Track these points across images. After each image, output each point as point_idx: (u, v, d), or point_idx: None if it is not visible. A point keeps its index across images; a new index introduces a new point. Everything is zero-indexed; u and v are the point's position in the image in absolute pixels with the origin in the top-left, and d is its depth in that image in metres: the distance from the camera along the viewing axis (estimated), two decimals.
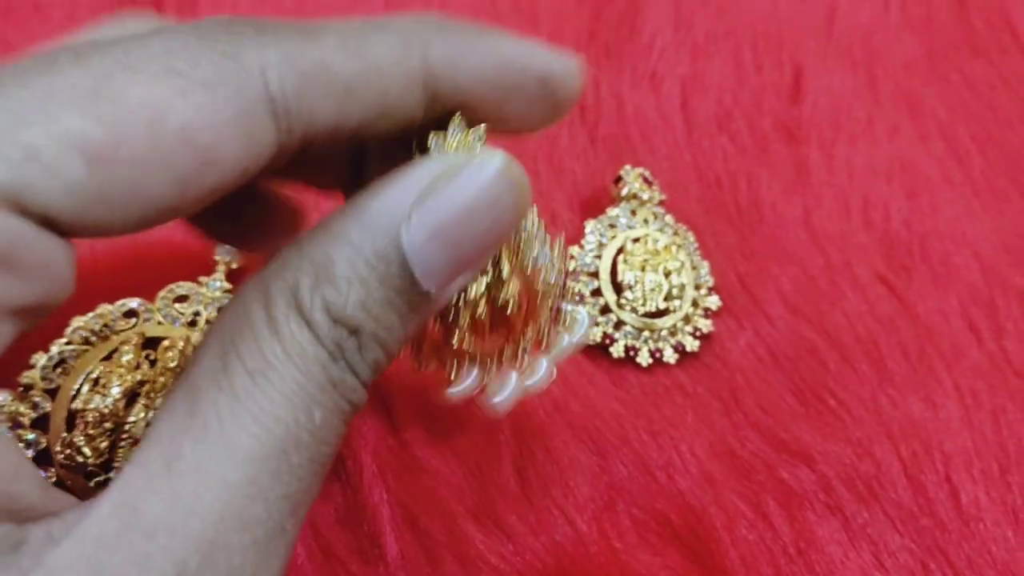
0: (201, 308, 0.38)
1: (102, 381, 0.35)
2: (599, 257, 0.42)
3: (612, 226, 0.43)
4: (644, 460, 0.38)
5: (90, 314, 0.36)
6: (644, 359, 0.41)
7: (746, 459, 0.39)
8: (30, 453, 0.34)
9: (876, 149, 0.47)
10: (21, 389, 0.35)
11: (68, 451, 0.34)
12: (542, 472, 0.38)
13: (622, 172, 0.43)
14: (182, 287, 0.38)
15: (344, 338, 0.23)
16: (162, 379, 0.35)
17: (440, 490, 0.37)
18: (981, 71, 0.50)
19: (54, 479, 0.34)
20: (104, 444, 0.34)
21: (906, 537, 0.38)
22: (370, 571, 0.35)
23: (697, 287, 0.42)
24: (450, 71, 0.26)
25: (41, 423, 0.34)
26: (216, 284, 0.39)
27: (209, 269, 0.39)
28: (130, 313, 0.37)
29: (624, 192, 0.43)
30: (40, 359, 0.35)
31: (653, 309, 0.41)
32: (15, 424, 0.34)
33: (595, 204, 0.44)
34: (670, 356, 0.41)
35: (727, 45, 0.49)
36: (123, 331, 0.37)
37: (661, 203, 0.44)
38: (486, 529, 0.36)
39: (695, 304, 0.42)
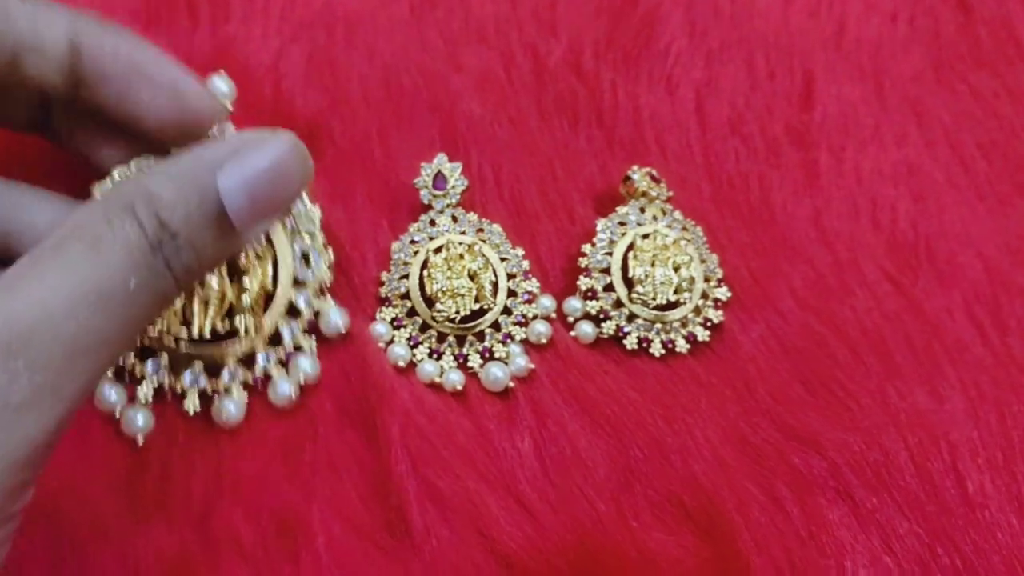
0: None
1: None
2: (610, 254, 0.43)
3: (622, 224, 0.44)
4: (660, 444, 0.40)
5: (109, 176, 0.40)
6: (657, 350, 0.42)
7: (758, 445, 0.40)
8: None
9: (884, 154, 0.49)
10: None
11: None
12: (562, 454, 0.39)
13: (630, 171, 0.45)
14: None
15: (165, 238, 0.30)
16: None
17: (464, 468, 0.38)
18: (986, 81, 0.52)
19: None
20: (176, 307, 0.38)
21: (914, 523, 0.39)
22: (396, 545, 0.37)
23: (706, 279, 0.44)
24: (93, 49, 0.36)
25: None
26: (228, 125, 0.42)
27: None
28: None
29: (633, 190, 0.45)
30: None
31: (664, 302, 0.43)
32: None
33: (611, 203, 0.46)
34: (682, 346, 0.43)
35: (740, 53, 0.51)
36: None
37: (669, 199, 0.45)
38: (509, 507, 0.38)
39: (705, 296, 0.44)
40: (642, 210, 0.45)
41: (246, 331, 0.39)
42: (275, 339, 0.40)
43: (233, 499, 0.36)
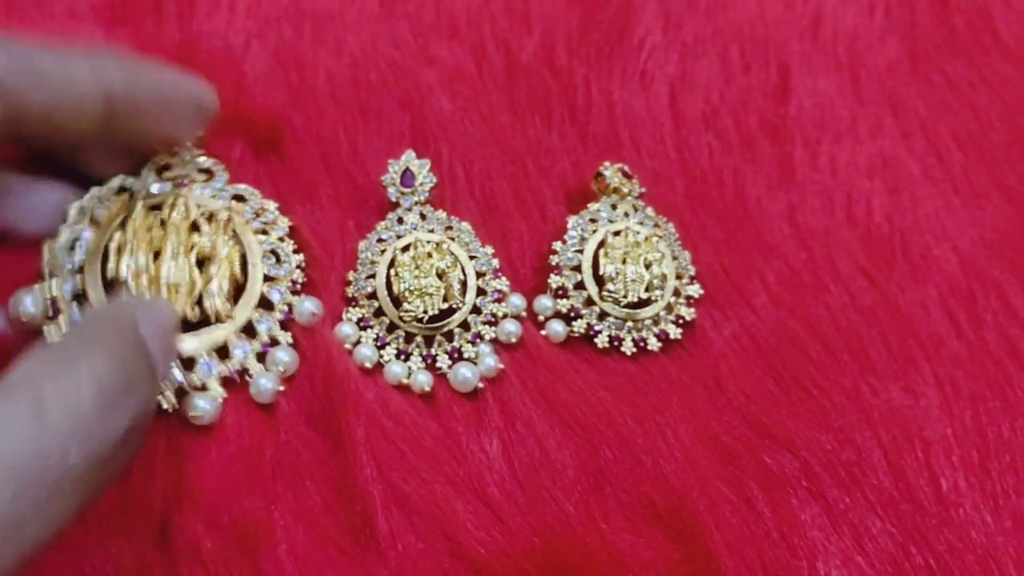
0: (185, 171, 0.42)
1: (126, 245, 0.39)
2: (581, 251, 0.43)
3: (593, 220, 0.44)
4: (630, 445, 0.39)
5: (84, 196, 0.40)
6: (628, 348, 0.42)
7: (730, 444, 0.40)
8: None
9: (859, 147, 0.48)
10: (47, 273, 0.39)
11: None
12: (531, 456, 0.39)
13: (602, 168, 0.44)
14: (162, 158, 0.42)
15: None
16: (175, 234, 0.40)
17: (431, 472, 0.38)
18: (962, 71, 0.51)
19: None
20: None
21: (887, 522, 0.39)
22: (361, 551, 0.36)
23: (679, 276, 0.43)
24: (126, 93, 0.36)
25: (77, 298, 0.39)
26: (189, 152, 0.43)
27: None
28: (123, 190, 0.41)
29: (604, 187, 0.44)
30: (52, 244, 0.39)
31: (635, 300, 0.42)
32: (55, 310, 0.38)
33: (584, 201, 0.45)
34: (654, 344, 0.42)
35: (715, 46, 0.50)
36: (125, 202, 0.41)
37: (642, 196, 0.45)
38: (476, 510, 0.37)
39: (677, 293, 0.43)
40: (614, 207, 0.44)
41: (216, 317, 0.39)
42: (249, 331, 0.40)
43: (193, 507, 0.35)
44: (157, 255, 0.39)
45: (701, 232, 0.45)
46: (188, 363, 0.39)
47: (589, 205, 0.44)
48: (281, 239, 0.42)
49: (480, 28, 0.49)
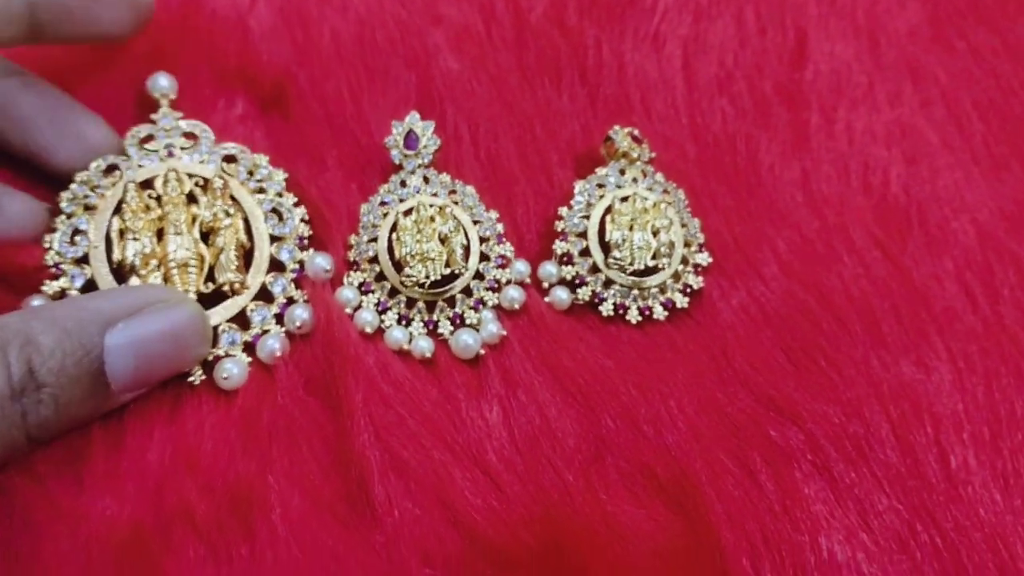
0: (169, 140, 0.41)
1: (128, 229, 0.39)
2: (587, 217, 0.42)
3: (600, 186, 0.43)
4: (632, 415, 0.39)
5: (72, 185, 0.39)
6: (634, 316, 0.41)
7: (735, 416, 0.39)
8: None
9: (877, 115, 0.47)
10: (52, 269, 0.38)
11: None
12: (531, 424, 0.38)
13: (611, 132, 0.43)
14: (142, 129, 0.41)
15: (29, 388, 0.30)
16: (172, 210, 0.39)
17: (430, 438, 0.37)
18: (985, 38, 0.50)
19: None
20: (159, 279, 0.38)
21: (893, 498, 0.38)
22: (356, 517, 0.35)
23: (687, 244, 0.42)
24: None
25: (88, 289, 0.38)
26: (168, 118, 0.42)
27: (153, 107, 0.42)
28: (111, 168, 0.40)
29: (613, 151, 0.43)
30: (52, 239, 0.38)
31: (641, 267, 0.41)
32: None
33: (592, 165, 0.44)
34: (660, 313, 0.41)
35: (730, 8, 0.49)
36: (115, 184, 0.40)
37: (651, 161, 0.44)
38: (474, 477, 0.36)
39: (684, 261, 0.42)
40: (622, 172, 0.43)
41: (232, 290, 0.39)
42: (265, 295, 0.40)
43: (187, 470, 0.35)
44: (160, 234, 0.39)
45: (711, 199, 0.44)
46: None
47: (597, 170, 0.43)
48: (279, 194, 0.41)
49: None
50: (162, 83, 0.43)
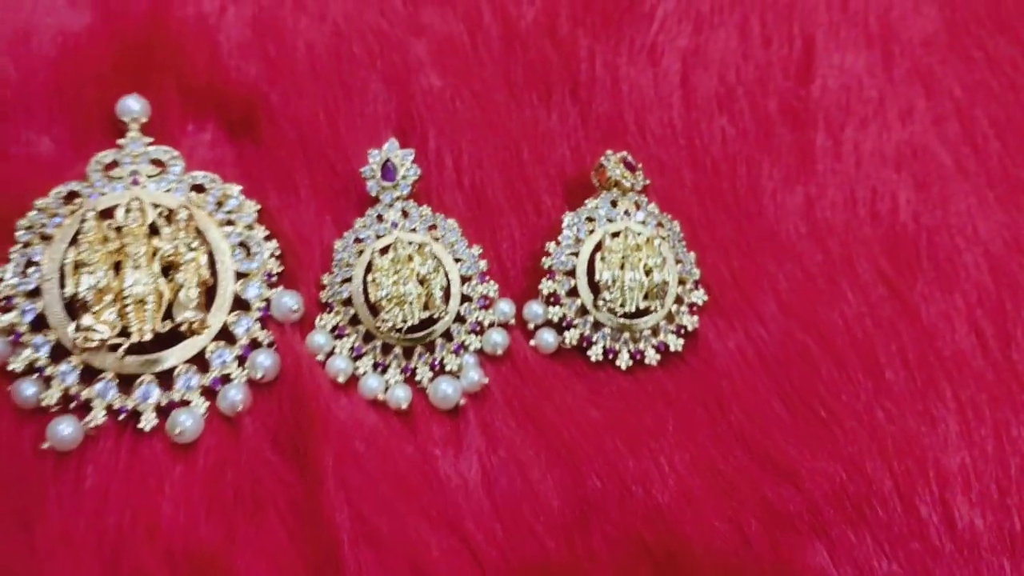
0: (135, 166, 0.39)
1: (83, 262, 0.36)
2: (576, 254, 0.39)
3: (590, 219, 0.40)
4: (620, 473, 0.36)
5: (30, 213, 0.37)
6: (624, 362, 0.39)
7: (729, 475, 0.37)
8: (42, 353, 0.36)
9: (887, 133, 0.44)
10: (2, 302, 0.36)
11: (83, 335, 0.35)
12: (512, 486, 0.36)
13: (603, 159, 0.41)
14: (107, 155, 0.39)
15: None
16: (132, 241, 0.37)
17: (405, 502, 0.35)
18: (1005, 48, 0.47)
19: (80, 366, 0.36)
20: (113, 315, 0.36)
21: (894, 563, 0.36)
22: None
23: (681, 281, 0.40)
24: None
25: (38, 324, 0.36)
26: (137, 143, 0.40)
27: (121, 134, 0.40)
28: (71, 195, 0.38)
29: (605, 180, 0.41)
30: (3, 270, 0.37)
31: (633, 309, 0.39)
32: (14, 335, 0.36)
33: (583, 192, 0.41)
34: (652, 357, 0.39)
35: (734, 15, 0.46)
36: (74, 212, 0.38)
37: (645, 189, 0.41)
38: (452, 547, 0.35)
39: (679, 300, 0.40)
40: (614, 203, 0.41)
41: (191, 329, 0.36)
42: (227, 336, 0.37)
43: (146, 535, 0.33)
44: (118, 267, 0.37)
45: (709, 230, 0.42)
46: (166, 379, 0.36)
47: (587, 201, 0.41)
48: (250, 227, 0.39)
49: None
50: (133, 106, 0.40)
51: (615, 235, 0.40)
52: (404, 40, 0.44)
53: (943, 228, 0.43)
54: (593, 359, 0.39)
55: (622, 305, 0.39)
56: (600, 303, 0.39)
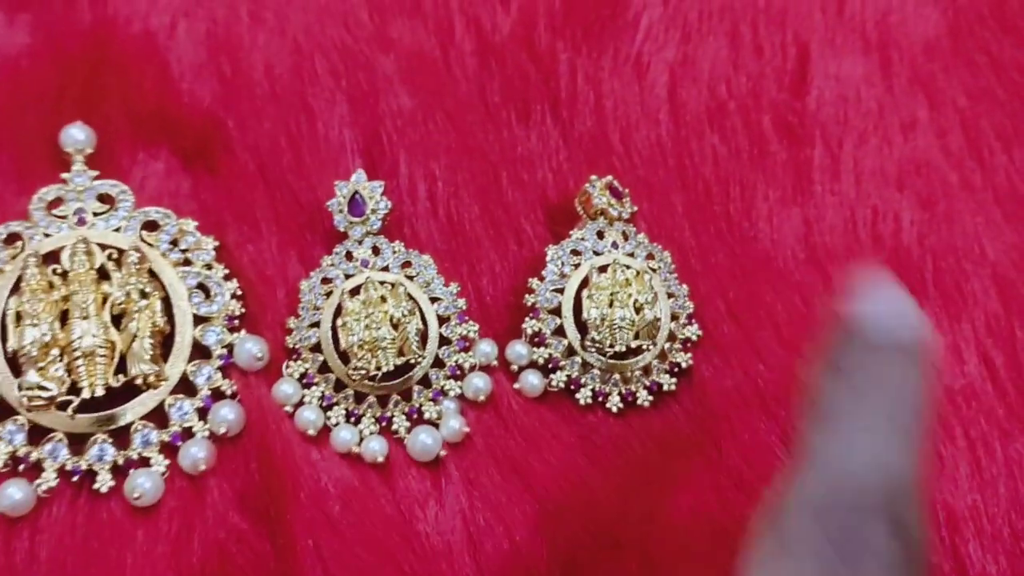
0: (81, 203, 0.36)
1: (26, 313, 0.33)
2: (561, 291, 0.37)
3: (576, 252, 0.38)
4: (612, 528, 0.34)
5: None
6: (615, 404, 0.36)
7: (729, 526, 0.35)
8: None
9: (888, 148, 0.42)
10: None
11: (29, 392, 0.32)
12: (498, 549, 0.33)
13: (587, 185, 0.38)
14: (50, 191, 0.36)
15: None
16: (79, 289, 0.34)
17: (384, 569, 0.33)
18: (1010, 52, 0.44)
19: (28, 425, 0.33)
20: (60, 371, 0.33)
21: None
22: None
23: (674, 317, 0.37)
24: None
25: None
26: (83, 176, 0.36)
27: (65, 165, 0.37)
28: (12, 237, 0.35)
29: (590, 208, 0.38)
30: None
31: (622, 349, 0.36)
32: None
33: (566, 219, 0.39)
34: (644, 399, 0.37)
35: (724, 23, 0.43)
36: (15, 257, 0.35)
37: (633, 217, 0.39)
38: None
39: (672, 338, 0.37)
40: (600, 234, 0.38)
41: (146, 383, 0.33)
42: (187, 387, 0.35)
43: None
44: (64, 317, 0.34)
45: (702, 259, 0.39)
46: (122, 436, 0.34)
47: (572, 232, 0.38)
48: (208, 266, 0.36)
49: (447, 2, 0.42)
50: (77, 136, 0.37)
51: (602, 269, 0.37)
52: (371, 56, 0.41)
53: (949, 251, 0.40)
54: (582, 402, 0.36)
55: (611, 345, 0.36)
56: (588, 343, 0.36)
